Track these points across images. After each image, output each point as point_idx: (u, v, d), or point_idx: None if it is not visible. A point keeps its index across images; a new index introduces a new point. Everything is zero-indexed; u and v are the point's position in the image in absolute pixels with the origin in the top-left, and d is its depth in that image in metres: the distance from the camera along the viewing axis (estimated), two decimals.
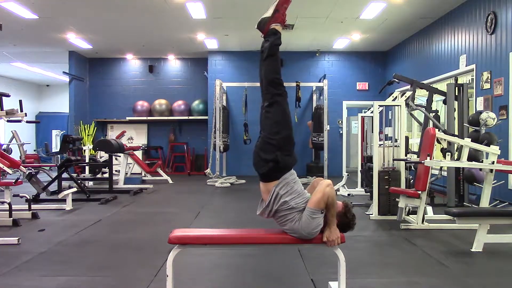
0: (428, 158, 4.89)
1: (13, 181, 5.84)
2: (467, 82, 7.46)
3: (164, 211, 6.48)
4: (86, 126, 12.49)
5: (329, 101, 10.38)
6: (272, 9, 2.88)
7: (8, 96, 5.85)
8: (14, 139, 11.58)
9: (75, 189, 6.86)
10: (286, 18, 2.90)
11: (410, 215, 5.43)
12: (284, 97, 2.81)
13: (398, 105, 6.04)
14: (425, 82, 7.68)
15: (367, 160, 7.12)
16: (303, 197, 2.70)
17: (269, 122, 2.78)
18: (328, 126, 10.42)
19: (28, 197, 5.80)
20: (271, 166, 2.68)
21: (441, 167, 6.67)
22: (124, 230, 5.14)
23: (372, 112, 6.79)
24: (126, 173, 9.66)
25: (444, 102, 6.73)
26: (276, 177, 2.69)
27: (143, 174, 10.41)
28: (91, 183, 9.30)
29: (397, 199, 5.40)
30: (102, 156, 10.61)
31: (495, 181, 5.11)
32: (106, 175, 8.86)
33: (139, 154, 11.09)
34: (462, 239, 4.55)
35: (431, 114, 6.62)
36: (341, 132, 11.01)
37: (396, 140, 6.17)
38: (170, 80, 12.83)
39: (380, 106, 6.27)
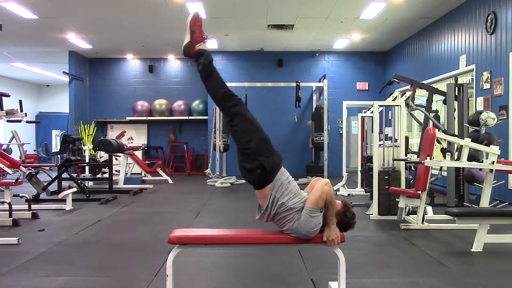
0: (428, 158, 4.89)
1: (13, 181, 5.83)
2: (467, 82, 7.46)
3: (164, 211, 6.48)
4: (86, 126, 12.48)
5: (329, 101, 10.37)
6: (188, 33, 2.89)
7: (8, 96, 5.85)
8: (14, 139, 11.58)
9: (75, 189, 6.86)
10: (204, 34, 2.89)
11: (410, 215, 5.43)
12: (241, 105, 2.80)
13: (398, 105, 6.04)
14: (425, 82, 7.68)
15: (367, 160, 7.12)
16: (300, 196, 2.70)
17: (239, 135, 2.78)
18: (328, 126, 10.41)
19: (28, 197, 5.80)
20: (260, 173, 2.67)
21: (441, 167, 6.66)
22: (124, 230, 5.15)
23: (372, 112, 6.79)
24: (126, 173, 9.66)
25: (444, 102, 6.72)
26: (268, 180, 2.68)
27: (143, 174, 10.41)
28: (91, 183, 9.30)
29: (397, 199, 5.39)
30: (102, 156, 10.60)
31: (495, 181, 5.10)
32: (106, 175, 8.86)
33: (139, 154, 11.09)
34: (462, 239, 4.55)
35: (431, 114, 6.62)
36: (341, 132, 11.02)
37: (396, 140, 6.17)
38: (170, 80, 12.83)
39: (380, 106, 6.27)
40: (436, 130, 5.19)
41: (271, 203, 2.67)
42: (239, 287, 3.30)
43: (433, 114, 6.71)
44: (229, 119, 2.80)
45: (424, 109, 6.72)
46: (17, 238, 4.33)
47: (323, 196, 2.59)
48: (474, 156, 5.30)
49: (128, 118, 12.45)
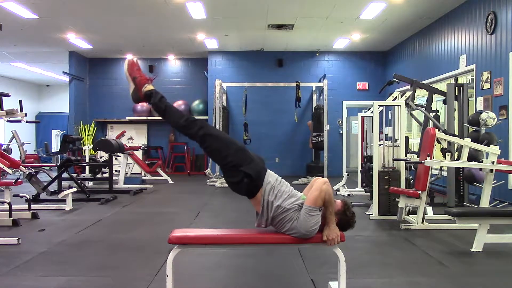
0: (428, 158, 4.89)
1: (13, 181, 5.83)
2: (467, 82, 7.46)
3: (164, 211, 6.48)
4: (86, 126, 12.48)
5: (329, 101, 10.36)
6: (130, 81, 2.92)
7: (8, 96, 5.85)
8: (14, 139, 11.58)
9: (75, 189, 6.86)
10: (145, 76, 2.94)
11: (410, 215, 5.43)
12: (205, 126, 2.80)
13: (398, 105, 6.04)
14: (425, 82, 7.68)
15: (367, 160, 7.12)
16: (296, 196, 2.72)
17: (215, 154, 2.81)
18: (328, 126, 10.41)
19: (28, 197, 5.79)
20: (247, 182, 2.68)
21: (441, 167, 6.67)
22: (124, 230, 5.14)
23: (372, 112, 6.79)
24: (126, 173, 9.66)
25: (444, 102, 6.73)
26: (258, 186, 2.69)
27: (143, 174, 10.41)
28: (91, 183, 9.30)
29: (397, 199, 5.40)
30: (102, 156, 10.60)
31: (495, 181, 5.11)
32: (106, 175, 8.86)
33: (139, 154, 11.08)
34: (462, 239, 4.55)
35: (431, 114, 6.62)
36: (341, 132, 11.02)
37: (396, 140, 6.17)
38: (170, 80, 12.83)
39: (380, 106, 6.27)
40: (436, 130, 5.19)
41: (265, 207, 2.69)
42: (239, 287, 3.30)
43: (433, 114, 6.71)
44: (200, 144, 2.83)
45: (424, 109, 6.72)
46: (17, 238, 4.33)
47: (322, 195, 2.60)
48: (474, 156, 5.30)
49: (128, 118, 12.45)
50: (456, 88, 6.64)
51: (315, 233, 2.66)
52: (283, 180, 2.81)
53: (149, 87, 2.89)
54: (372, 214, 5.73)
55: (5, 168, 5.59)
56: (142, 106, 12.35)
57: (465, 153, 5.00)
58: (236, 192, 2.78)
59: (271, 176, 2.74)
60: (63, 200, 6.50)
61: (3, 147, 10.08)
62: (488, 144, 5.15)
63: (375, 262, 3.88)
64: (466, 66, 7.42)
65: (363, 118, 8.37)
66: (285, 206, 2.66)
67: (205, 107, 12.15)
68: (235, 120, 11.65)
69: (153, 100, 2.86)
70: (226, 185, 9.34)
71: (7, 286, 3.17)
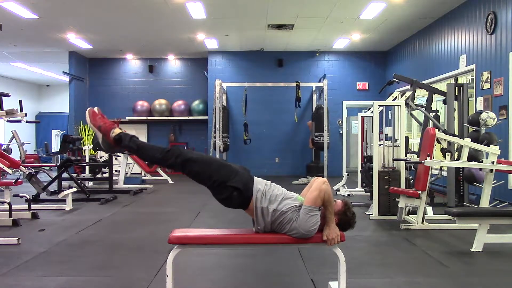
0: (428, 158, 4.89)
1: (13, 181, 5.84)
2: (467, 82, 7.46)
3: (164, 211, 6.48)
4: (86, 126, 12.47)
5: (329, 101, 10.35)
6: (97, 131, 2.91)
7: (8, 96, 5.85)
8: (14, 139, 11.57)
9: (75, 189, 6.86)
10: (109, 121, 2.91)
11: (410, 215, 5.43)
12: (182, 153, 2.78)
13: (398, 105, 6.04)
14: (425, 82, 7.67)
15: (367, 160, 7.12)
16: (291, 197, 2.72)
17: (199, 176, 2.81)
18: (328, 126, 10.39)
19: (28, 197, 5.79)
20: (237, 195, 2.69)
21: (441, 167, 6.66)
22: (124, 230, 5.15)
23: (372, 112, 6.79)
24: (126, 173, 9.66)
25: (444, 102, 6.72)
26: (248, 197, 2.69)
27: (143, 174, 10.41)
28: (91, 183, 9.30)
29: (397, 199, 5.40)
30: (102, 156, 10.60)
31: (495, 181, 5.10)
32: (106, 175, 8.86)
33: None
34: (462, 239, 4.55)
35: (431, 114, 6.62)
36: (341, 132, 11.02)
37: (396, 140, 6.17)
38: (170, 80, 12.83)
39: (380, 106, 6.27)
40: (436, 130, 5.19)
41: (261, 215, 2.68)
42: (239, 287, 3.30)
43: (433, 114, 6.71)
44: (182, 171, 2.82)
45: (424, 109, 6.71)
46: (17, 238, 4.33)
47: (321, 194, 2.60)
48: (474, 156, 5.30)
49: (128, 118, 12.44)
50: (456, 88, 6.63)
51: (315, 233, 2.66)
52: (273, 183, 2.80)
53: (116, 131, 2.84)
54: (372, 214, 5.73)
55: (5, 168, 5.59)
56: (142, 106, 12.36)
57: (465, 153, 5.00)
58: (229, 207, 2.78)
59: (259, 183, 2.74)
60: (63, 200, 6.50)
61: (3, 147, 10.07)
62: (488, 144, 5.15)
63: (375, 262, 3.88)
64: (466, 66, 7.42)
65: (363, 118, 8.37)
66: (282, 209, 2.66)
67: (205, 107, 12.15)
68: (235, 120, 11.65)
69: (123, 143, 2.82)
70: None
71: (7, 286, 3.17)
